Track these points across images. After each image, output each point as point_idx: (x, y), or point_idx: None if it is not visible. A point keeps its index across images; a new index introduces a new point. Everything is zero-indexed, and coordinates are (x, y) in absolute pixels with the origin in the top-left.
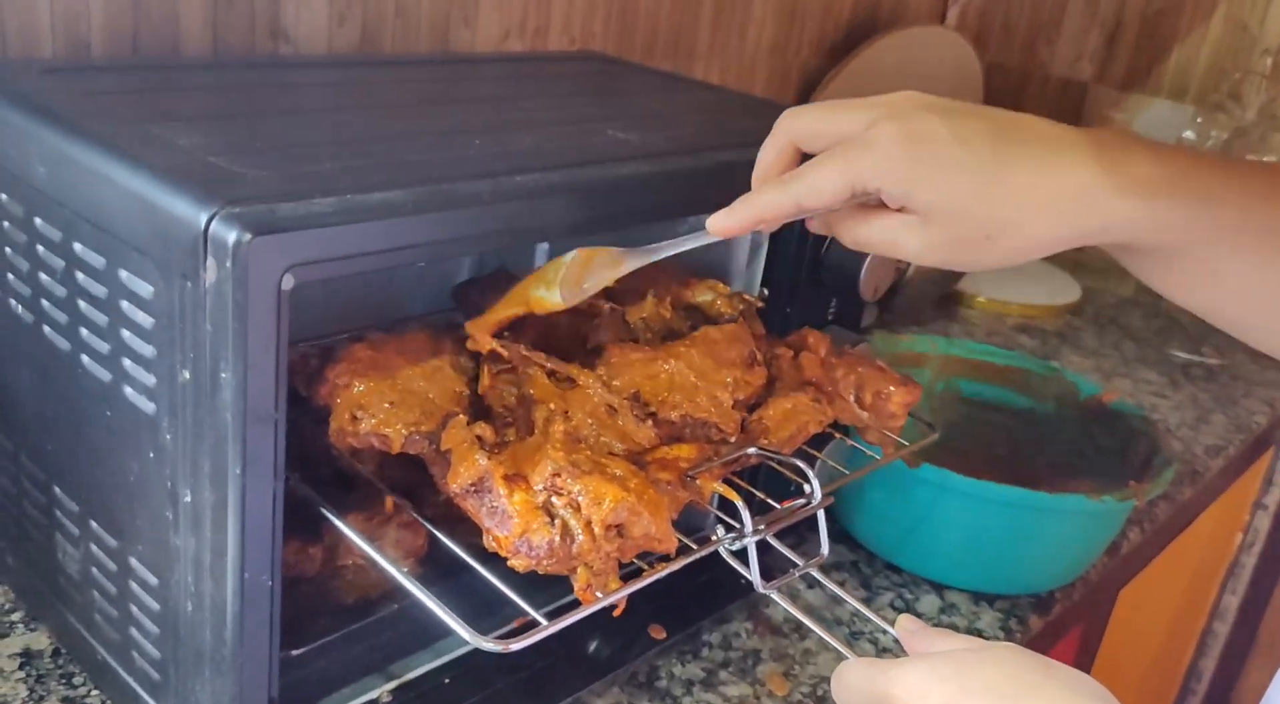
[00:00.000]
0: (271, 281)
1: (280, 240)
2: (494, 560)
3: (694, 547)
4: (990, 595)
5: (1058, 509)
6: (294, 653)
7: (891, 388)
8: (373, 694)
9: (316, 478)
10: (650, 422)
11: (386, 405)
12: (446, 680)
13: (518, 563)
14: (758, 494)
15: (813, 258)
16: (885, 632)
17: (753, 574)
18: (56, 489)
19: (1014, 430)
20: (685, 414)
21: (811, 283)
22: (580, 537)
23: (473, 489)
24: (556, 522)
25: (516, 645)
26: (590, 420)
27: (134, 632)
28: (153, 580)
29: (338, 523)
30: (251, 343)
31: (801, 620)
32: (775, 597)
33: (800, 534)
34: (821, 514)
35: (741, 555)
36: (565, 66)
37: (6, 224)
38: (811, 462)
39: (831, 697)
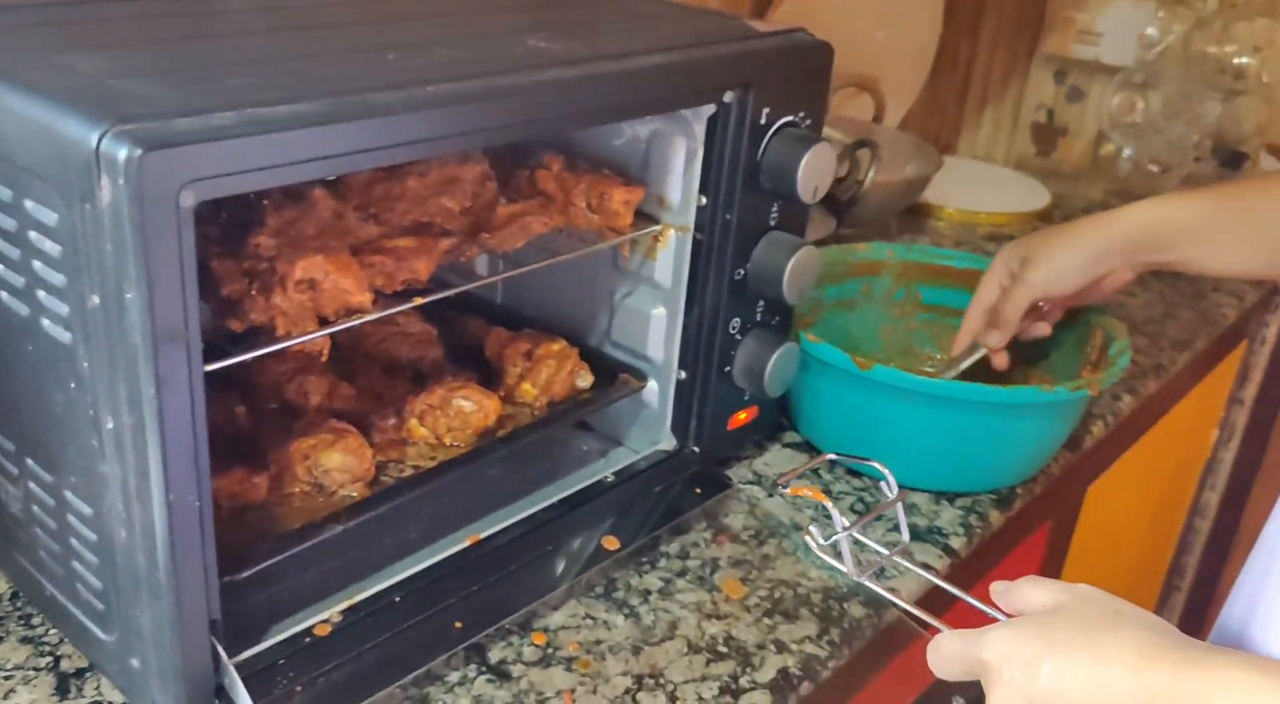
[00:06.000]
0: (169, 198)
1: (175, 155)
2: None
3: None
4: (950, 494)
5: (1010, 403)
6: (239, 576)
7: (613, 189)
8: (322, 615)
9: (262, 409)
10: (372, 223)
11: None
12: (397, 599)
13: None
14: None
15: (749, 160)
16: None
17: (846, 565)
18: None
19: None
20: (414, 219)
21: (749, 188)
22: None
23: None
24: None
25: None
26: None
27: (75, 564)
28: (87, 511)
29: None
30: (153, 261)
31: (897, 603)
32: (868, 584)
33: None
34: (900, 507)
35: (834, 548)
36: None
37: None
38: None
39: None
